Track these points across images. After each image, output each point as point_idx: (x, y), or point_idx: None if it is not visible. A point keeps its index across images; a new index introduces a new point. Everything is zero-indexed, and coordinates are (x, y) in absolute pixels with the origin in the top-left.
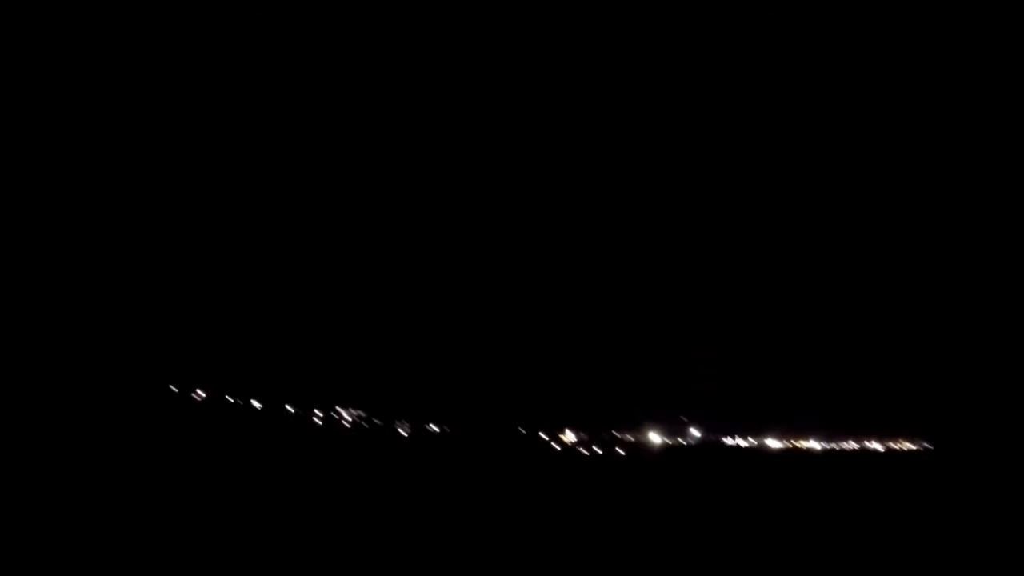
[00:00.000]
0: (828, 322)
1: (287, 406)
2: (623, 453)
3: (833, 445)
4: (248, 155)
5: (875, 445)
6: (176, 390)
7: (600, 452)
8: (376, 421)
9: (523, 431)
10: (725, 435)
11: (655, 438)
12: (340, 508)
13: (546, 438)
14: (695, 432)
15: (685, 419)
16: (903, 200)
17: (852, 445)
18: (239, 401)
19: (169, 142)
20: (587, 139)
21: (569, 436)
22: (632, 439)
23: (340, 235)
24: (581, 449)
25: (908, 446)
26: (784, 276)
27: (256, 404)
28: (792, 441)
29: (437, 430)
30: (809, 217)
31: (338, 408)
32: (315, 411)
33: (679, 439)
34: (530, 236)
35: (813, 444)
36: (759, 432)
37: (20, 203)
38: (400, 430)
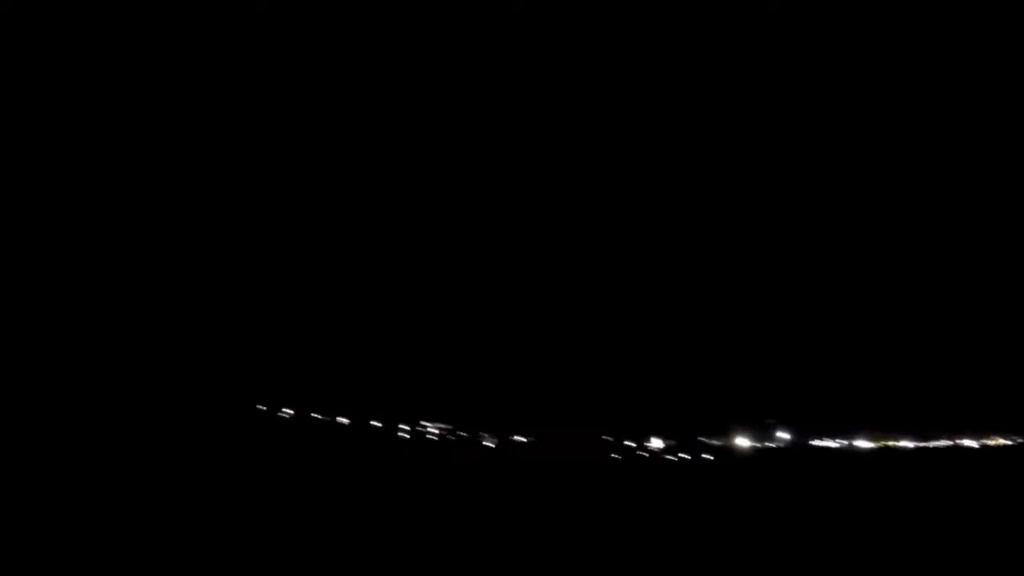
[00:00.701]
0: (918, 318)
1: (373, 421)
2: (711, 458)
3: (925, 443)
4: (295, 166)
5: (969, 442)
6: (264, 408)
7: (688, 458)
8: (462, 434)
9: (609, 439)
10: (814, 437)
11: (743, 442)
12: (435, 518)
13: (632, 445)
14: (783, 435)
15: (773, 422)
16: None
17: (945, 442)
18: (326, 418)
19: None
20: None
21: (656, 443)
22: (720, 444)
23: (404, 258)
24: (668, 456)
25: (1003, 442)
26: (867, 276)
27: (343, 420)
28: (883, 440)
29: (524, 440)
30: (887, 215)
31: (423, 422)
32: (401, 425)
33: (767, 443)
34: (602, 245)
35: (905, 443)
36: (849, 432)
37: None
38: (486, 442)
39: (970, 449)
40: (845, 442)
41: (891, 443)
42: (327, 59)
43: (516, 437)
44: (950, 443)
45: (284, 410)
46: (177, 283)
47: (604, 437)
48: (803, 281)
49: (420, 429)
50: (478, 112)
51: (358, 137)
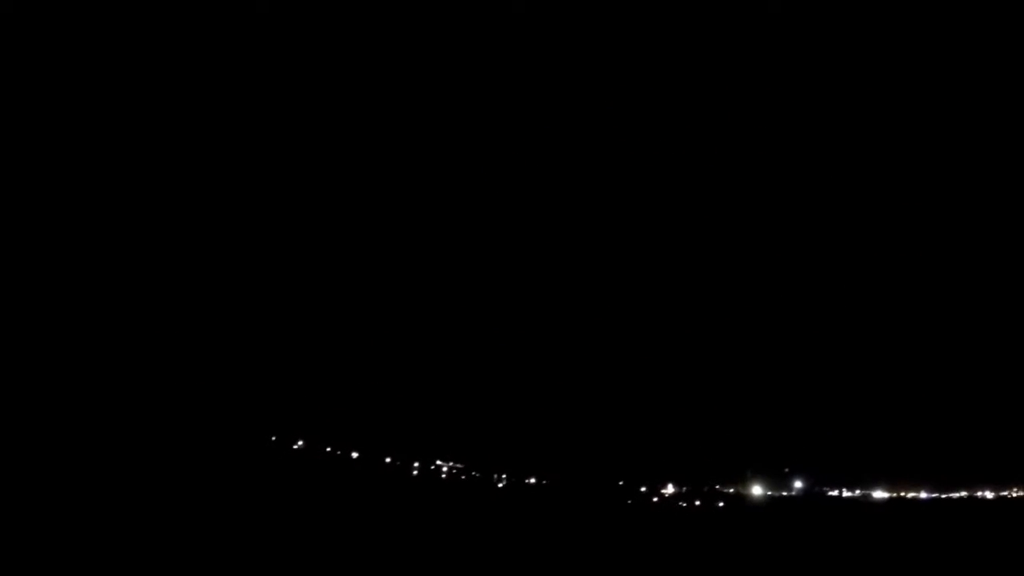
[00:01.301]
0: (938, 364)
1: (386, 458)
2: (723, 505)
3: (942, 494)
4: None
5: (986, 493)
6: (276, 439)
7: (700, 505)
8: (474, 474)
9: (621, 484)
10: (829, 486)
11: (757, 490)
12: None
13: (644, 491)
14: (798, 483)
15: (788, 470)
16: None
17: (962, 494)
18: (338, 452)
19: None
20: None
21: (669, 488)
22: (733, 491)
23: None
24: (681, 503)
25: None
26: (884, 320)
27: (353, 454)
28: (899, 491)
29: (534, 482)
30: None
31: (437, 461)
32: (414, 463)
33: (781, 491)
34: (620, 281)
35: (921, 494)
36: (864, 482)
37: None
38: (498, 483)
39: (987, 500)
40: (860, 492)
41: (907, 493)
42: (327, 59)
43: (530, 479)
44: (966, 494)
45: (298, 442)
46: (195, 308)
47: (618, 482)
48: (820, 326)
49: (435, 468)
50: (478, 112)
51: (359, 137)
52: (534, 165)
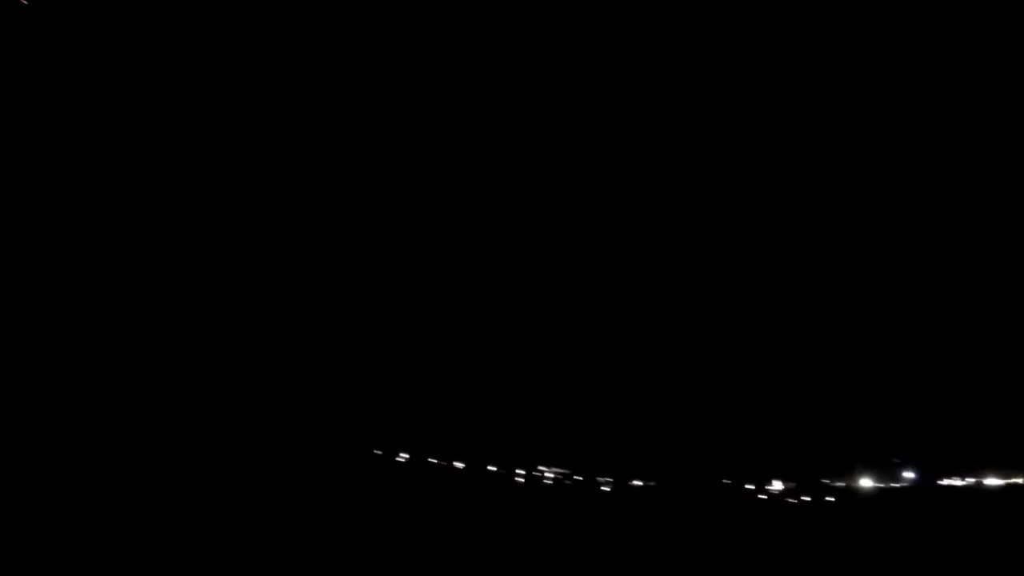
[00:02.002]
0: None
1: (489, 466)
2: (833, 500)
3: None
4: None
5: None
6: (380, 452)
7: (809, 500)
8: (577, 478)
9: (728, 482)
10: (941, 475)
11: (866, 482)
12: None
13: (752, 488)
14: (909, 474)
15: (898, 460)
16: None
17: None
18: (442, 462)
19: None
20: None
21: (776, 485)
22: (843, 485)
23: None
24: (789, 499)
25: None
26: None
27: (458, 464)
28: (1013, 478)
29: (641, 484)
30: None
31: (540, 467)
32: (517, 470)
33: (891, 482)
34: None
35: None
36: (977, 470)
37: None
38: (603, 486)
39: None
40: (973, 480)
41: (1021, 479)
42: (327, 59)
43: (634, 482)
44: None
45: (401, 455)
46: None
47: (724, 480)
48: (927, 314)
49: (536, 474)
50: (478, 112)
51: (360, 138)
52: (535, 166)
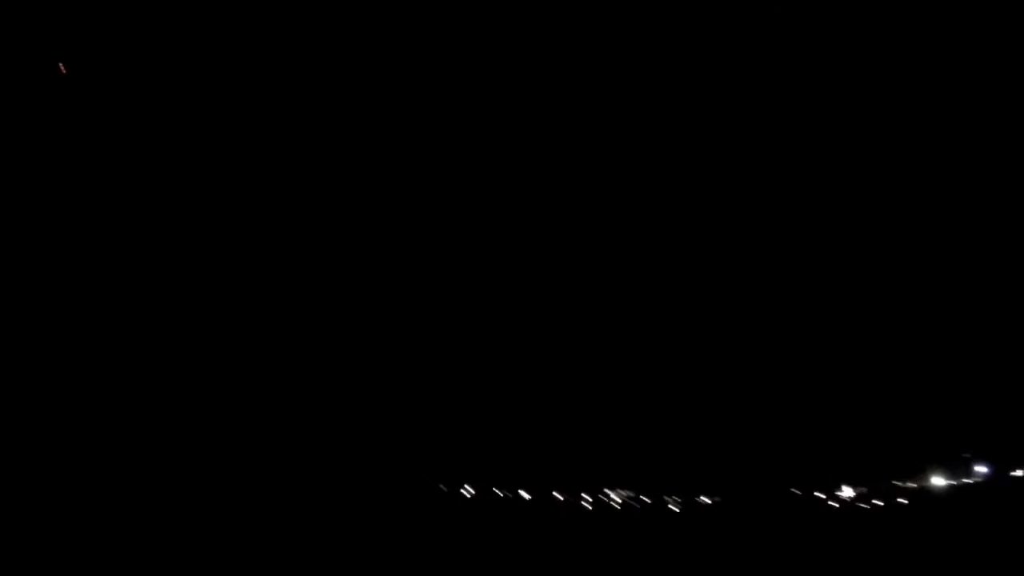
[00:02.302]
0: None
1: (555, 492)
2: (906, 502)
3: None
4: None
5: None
6: (445, 488)
7: (881, 504)
8: (645, 499)
9: (797, 492)
10: (1014, 468)
11: (938, 481)
12: None
13: (822, 496)
14: (981, 469)
15: (969, 456)
16: None
17: None
18: (508, 494)
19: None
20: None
21: (846, 491)
22: (914, 485)
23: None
24: (861, 504)
25: None
26: None
27: (524, 495)
28: None
29: (709, 501)
30: None
31: (606, 490)
32: (583, 495)
33: (964, 479)
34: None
35: None
36: None
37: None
38: (671, 506)
39: None
40: None
41: None
42: (327, 59)
43: (702, 498)
44: None
45: (465, 487)
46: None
47: (792, 490)
48: (983, 306)
49: (603, 497)
50: (478, 112)
51: (360, 137)
52: (538, 166)
